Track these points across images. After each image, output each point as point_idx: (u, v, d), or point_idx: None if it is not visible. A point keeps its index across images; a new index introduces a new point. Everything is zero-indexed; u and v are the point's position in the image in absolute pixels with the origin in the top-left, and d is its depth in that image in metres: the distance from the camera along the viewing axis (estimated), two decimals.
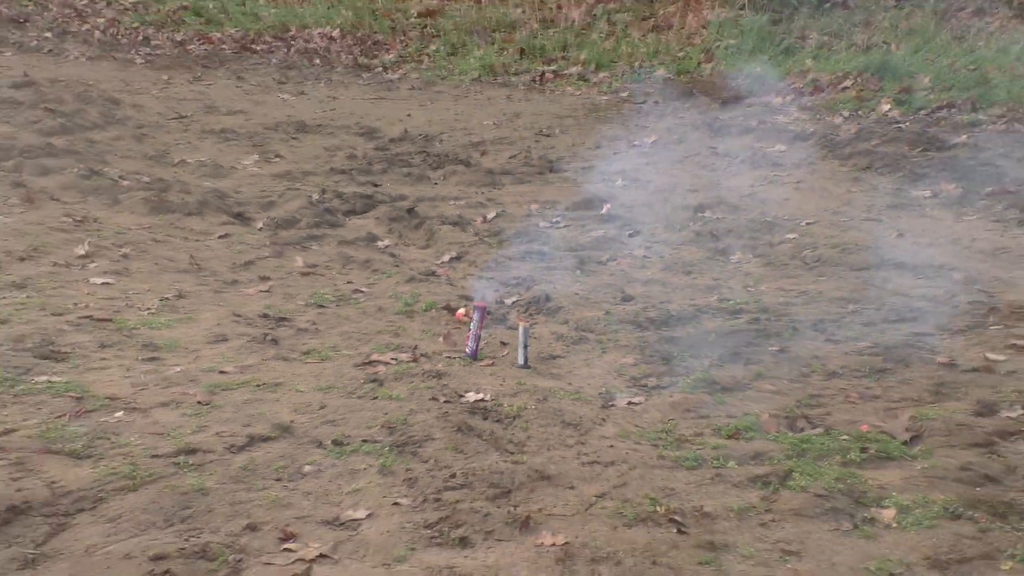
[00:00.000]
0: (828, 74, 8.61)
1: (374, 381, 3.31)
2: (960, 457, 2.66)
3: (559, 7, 10.88)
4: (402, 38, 10.95)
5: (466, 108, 8.84)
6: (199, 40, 11.22)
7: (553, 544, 2.22)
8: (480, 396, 3.19)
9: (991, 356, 3.42)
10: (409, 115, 8.49)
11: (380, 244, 5.30)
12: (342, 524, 2.32)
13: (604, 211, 5.79)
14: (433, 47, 10.71)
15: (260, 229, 5.37)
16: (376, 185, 6.43)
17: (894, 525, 2.33)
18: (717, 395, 3.31)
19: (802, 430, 2.95)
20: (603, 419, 3.10)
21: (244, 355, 3.50)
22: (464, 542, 2.26)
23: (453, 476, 2.57)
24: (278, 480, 2.52)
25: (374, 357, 3.56)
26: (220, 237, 5.15)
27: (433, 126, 8.09)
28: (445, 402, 3.11)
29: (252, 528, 2.25)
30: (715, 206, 5.77)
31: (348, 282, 4.64)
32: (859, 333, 3.79)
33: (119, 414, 2.82)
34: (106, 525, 2.20)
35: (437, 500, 2.44)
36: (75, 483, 2.36)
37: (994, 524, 2.30)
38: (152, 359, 3.36)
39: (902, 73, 8.36)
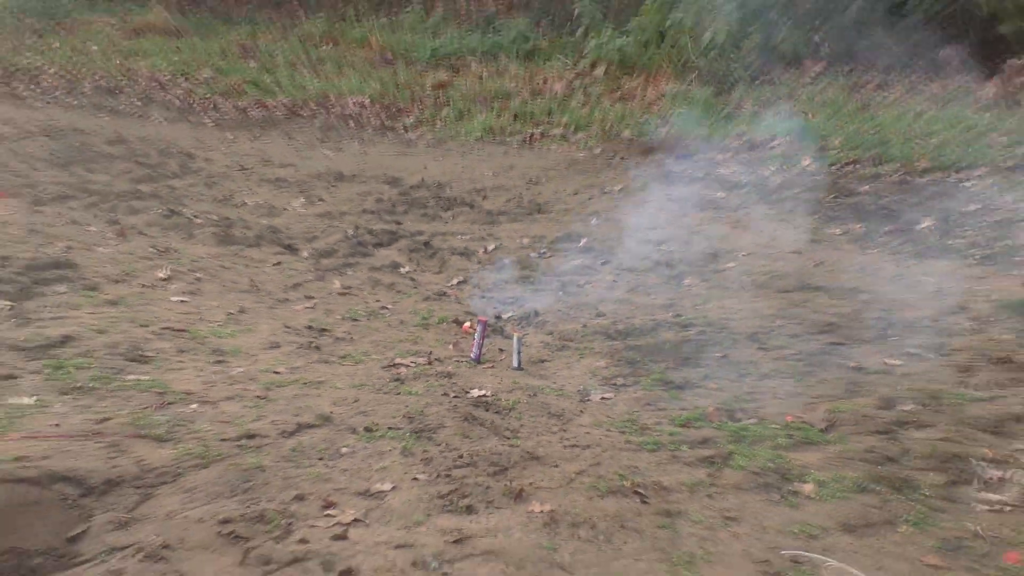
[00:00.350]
0: (760, 136, 8.69)
1: (397, 380, 3.32)
2: (866, 442, 2.68)
3: (545, 81, 10.97)
4: (419, 105, 11.01)
5: (471, 162, 8.88)
6: (257, 106, 11.27)
7: (541, 511, 2.24)
8: (482, 392, 3.21)
9: (890, 361, 3.45)
10: (425, 167, 8.53)
11: (402, 270, 5.32)
12: (372, 495, 2.33)
13: (581, 244, 5.82)
14: (444, 112, 10.76)
15: (306, 258, 5.38)
16: (399, 223, 6.46)
17: (814, 497, 2.35)
18: (672, 392, 3.33)
19: (740, 420, 2.97)
20: (581, 411, 3.11)
21: (293, 359, 3.51)
22: (470, 509, 2.27)
23: (461, 456, 2.58)
24: (320, 459, 2.53)
25: (397, 360, 3.57)
26: (274, 264, 5.16)
27: (444, 176, 8.12)
28: (454, 397, 3.12)
29: (300, 498, 2.26)
30: (670, 240, 5.81)
31: (376, 300, 4.66)
32: (786, 343, 3.81)
33: (193, 406, 2.84)
34: (183, 495, 2.21)
35: (448, 476, 2.45)
36: (158, 461, 2.37)
37: (893, 496, 2.32)
38: (219, 362, 3.38)
39: (818, 135, 8.44)
